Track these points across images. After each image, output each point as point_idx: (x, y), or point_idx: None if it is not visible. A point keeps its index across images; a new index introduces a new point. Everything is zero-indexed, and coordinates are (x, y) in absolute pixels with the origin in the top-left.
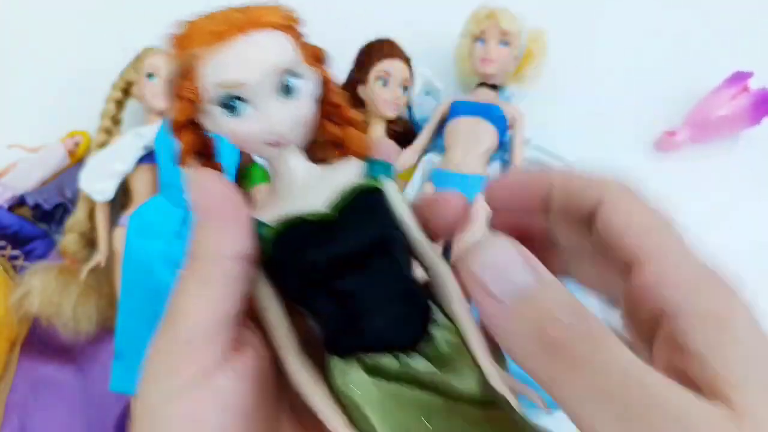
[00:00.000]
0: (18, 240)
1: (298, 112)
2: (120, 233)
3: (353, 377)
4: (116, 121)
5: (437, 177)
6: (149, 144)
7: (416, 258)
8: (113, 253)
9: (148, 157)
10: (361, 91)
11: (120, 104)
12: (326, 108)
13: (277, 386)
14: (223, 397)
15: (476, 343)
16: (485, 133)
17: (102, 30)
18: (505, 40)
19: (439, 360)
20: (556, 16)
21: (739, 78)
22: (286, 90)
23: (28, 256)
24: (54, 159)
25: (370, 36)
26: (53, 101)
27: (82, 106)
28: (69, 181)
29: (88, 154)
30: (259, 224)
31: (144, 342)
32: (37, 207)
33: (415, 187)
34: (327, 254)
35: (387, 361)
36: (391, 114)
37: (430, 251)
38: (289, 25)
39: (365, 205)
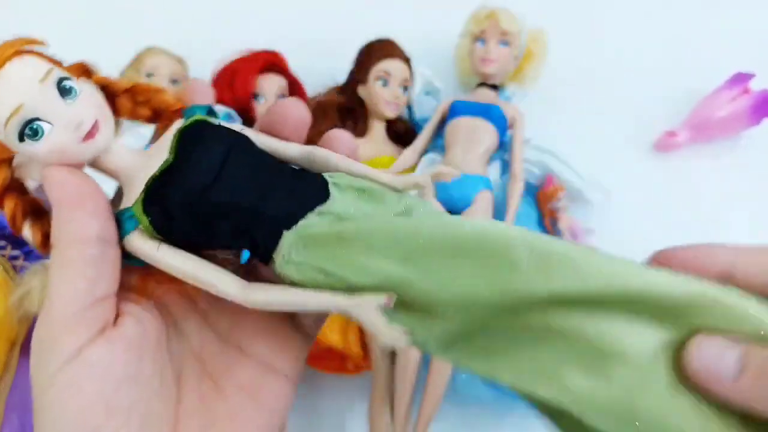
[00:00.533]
0: (18, 240)
1: (89, 102)
2: None
3: (300, 256)
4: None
5: None
6: (149, 144)
7: (278, 157)
8: None
9: None
10: (361, 91)
11: None
12: (124, 99)
13: (172, 347)
14: (97, 368)
15: (368, 171)
16: (485, 133)
17: (102, 30)
18: (505, 40)
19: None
20: (556, 16)
21: (740, 79)
22: (67, 92)
23: (28, 256)
24: None
25: (370, 36)
26: None
27: None
28: None
29: None
30: (128, 211)
31: None
32: None
33: None
34: (187, 185)
35: (312, 221)
36: (391, 114)
37: (289, 146)
38: (31, 50)
39: (193, 136)
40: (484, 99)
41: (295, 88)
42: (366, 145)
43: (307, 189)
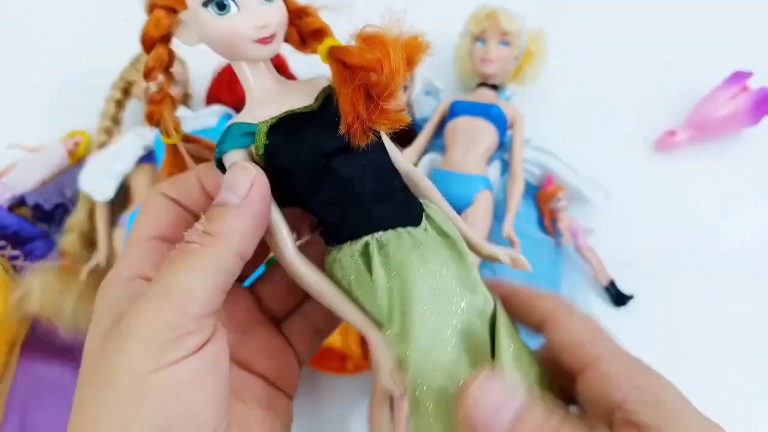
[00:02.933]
0: (18, 240)
1: (280, 12)
2: (120, 233)
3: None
4: (116, 121)
5: (437, 177)
6: (149, 144)
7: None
8: (113, 253)
9: (148, 157)
10: None
11: (120, 104)
12: (294, 14)
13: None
14: (215, 365)
15: (459, 222)
16: (485, 133)
17: (102, 30)
18: (505, 40)
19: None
20: (556, 16)
21: (739, 77)
22: None
23: (28, 256)
24: (54, 159)
25: None
26: (53, 101)
27: (82, 106)
28: (69, 181)
29: (88, 154)
30: (247, 127)
31: None
32: (37, 207)
33: None
34: (320, 140)
35: (393, 236)
36: None
37: (401, 158)
38: None
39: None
40: (484, 99)
41: None
42: None
43: (405, 206)
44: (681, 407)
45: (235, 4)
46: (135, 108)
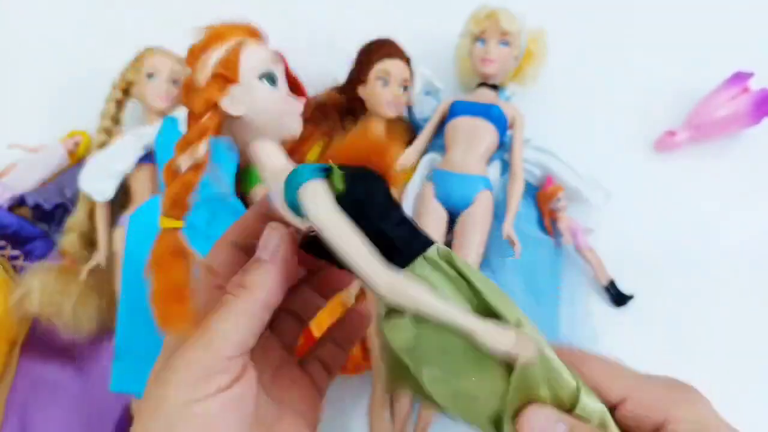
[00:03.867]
0: (18, 240)
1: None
2: (120, 233)
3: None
4: (116, 121)
5: (437, 176)
6: (149, 144)
7: None
8: (113, 253)
9: (148, 157)
10: (361, 90)
11: (120, 104)
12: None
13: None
14: (241, 403)
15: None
16: (485, 133)
17: (102, 30)
18: (505, 40)
19: None
20: (556, 16)
21: (740, 78)
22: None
23: (28, 256)
24: (54, 159)
25: (370, 36)
26: (53, 101)
27: (82, 106)
28: (69, 181)
29: (88, 154)
30: (329, 169)
31: (144, 342)
32: (37, 207)
33: (415, 186)
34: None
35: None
36: (392, 114)
37: None
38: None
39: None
40: (484, 99)
41: (295, 88)
42: None
43: None
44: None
45: (281, 80)
46: (135, 108)
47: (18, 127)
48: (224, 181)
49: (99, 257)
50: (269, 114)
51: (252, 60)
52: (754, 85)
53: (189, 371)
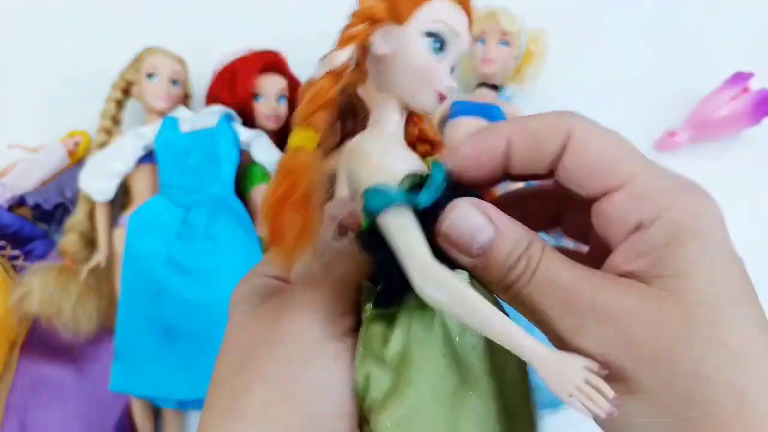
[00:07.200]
0: (18, 240)
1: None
2: (120, 233)
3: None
4: (116, 121)
5: None
6: (149, 144)
7: None
8: (113, 253)
9: (148, 157)
10: (361, 91)
11: (120, 104)
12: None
13: None
14: (352, 352)
15: None
16: None
17: (102, 30)
18: (505, 40)
19: None
20: (556, 16)
21: (740, 78)
22: (453, 69)
23: (28, 256)
24: (54, 159)
25: None
26: (53, 101)
27: (82, 106)
28: (69, 181)
29: (88, 154)
30: (412, 175)
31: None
32: (37, 207)
33: None
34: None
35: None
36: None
37: None
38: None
39: None
40: (484, 99)
41: (295, 88)
42: None
43: None
44: (716, 246)
45: (449, 57)
46: (135, 108)
47: (18, 127)
48: (224, 180)
49: (99, 257)
50: (412, 76)
51: (435, 13)
52: (754, 85)
53: (321, 307)
